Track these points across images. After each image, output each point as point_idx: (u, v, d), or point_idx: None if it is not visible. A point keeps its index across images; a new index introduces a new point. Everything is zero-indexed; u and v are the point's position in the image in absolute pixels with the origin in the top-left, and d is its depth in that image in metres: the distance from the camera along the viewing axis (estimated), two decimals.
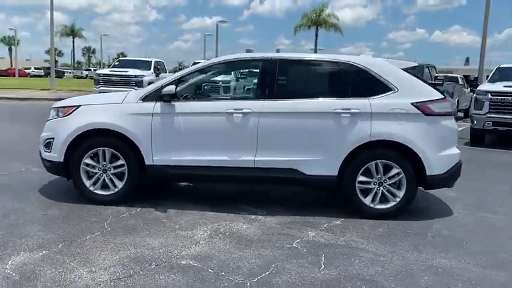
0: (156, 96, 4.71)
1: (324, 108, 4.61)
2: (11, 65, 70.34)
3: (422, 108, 4.58)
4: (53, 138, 4.82)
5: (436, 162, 4.60)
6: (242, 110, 4.62)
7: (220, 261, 3.51)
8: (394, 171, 4.61)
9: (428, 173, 4.59)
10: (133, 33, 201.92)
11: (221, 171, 4.72)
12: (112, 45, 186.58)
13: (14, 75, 57.48)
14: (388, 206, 4.67)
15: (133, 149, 4.71)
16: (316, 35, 48.35)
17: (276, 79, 4.74)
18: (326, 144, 4.60)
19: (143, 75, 17.20)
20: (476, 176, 7.13)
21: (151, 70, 18.41)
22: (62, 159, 4.77)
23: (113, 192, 4.79)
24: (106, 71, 18.65)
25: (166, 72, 19.97)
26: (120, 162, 4.75)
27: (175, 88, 4.62)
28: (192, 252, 3.67)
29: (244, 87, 5.28)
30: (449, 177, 4.74)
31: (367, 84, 4.72)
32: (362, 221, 4.58)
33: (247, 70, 5.39)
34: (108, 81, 16.92)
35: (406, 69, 4.90)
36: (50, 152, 4.85)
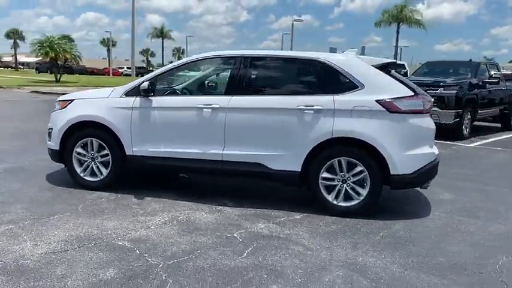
0: (137, 91, 5.08)
1: (287, 105, 4.67)
2: (109, 65, 76.35)
3: (387, 106, 4.46)
4: (52, 128, 5.41)
5: (401, 161, 4.46)
6: (211, 105, 4.84)
7: (153, 244, 3.77)
8: (358, 168, 4.55)
9: (392, 172, 4.46)
10: (225, 33, 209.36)
11: (192, 163, 4.97)
12: (205, 45, 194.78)
13: (109, 74, 62.42)
14: (352, 203, 4.61)
15: (117, 140, 5.13)
16: (398, 32, 46.69)
17: (245, 76, 4.89)
18: (289, 140, 4.66)
19: None
20: (499, 180, 6.66)
21: None
22: (58, 148, 5.34)
23: (99, 179, 5.26)
24: None
25: None
26: (106, 151, 5.20)
27: (150, 84, 4.95)
28: (135, 235, 3.97)
29: (217, 83, 5.51)
30: (419, 178, 4.56)
31: (333, 81, 4.70)
32: (323, 217, 4.57)
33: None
34: None
35: (382, 66, 4.79)
36: (50, 141, 5.44)
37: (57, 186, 5.37)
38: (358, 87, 4.59)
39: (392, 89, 4.56)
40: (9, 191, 5.11)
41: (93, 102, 5.29)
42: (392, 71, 5.28)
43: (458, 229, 4.39)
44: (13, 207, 4.56)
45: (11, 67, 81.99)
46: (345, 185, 4.61)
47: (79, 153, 5.28)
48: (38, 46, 30.70)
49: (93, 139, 5.21)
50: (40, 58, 33.27)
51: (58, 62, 32.19)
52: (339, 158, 4.58)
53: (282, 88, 4.97)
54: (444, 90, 10.81)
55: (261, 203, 4.98)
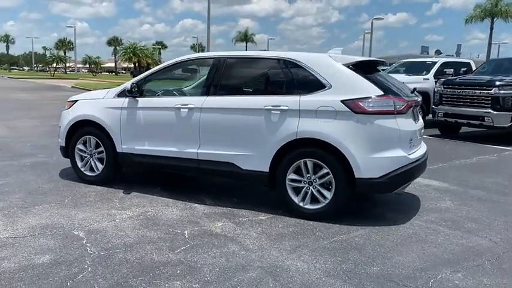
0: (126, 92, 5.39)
1: (255, 105, 4.66)
2: None
3: (352, 106, 4.28)
4: (60, 126, 5.92)
5: (366, 164, 4.25)
6: (187, 105, 4.99)
7: (103, 235, 4.00)
8: (324, 171, 4.42)
9: (357, 175, 4.27)
10: (315, 35, 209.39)
11: (172, 161, 5.15)
12: (295, 47, 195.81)
13: None
14: (318, 206, 4.49)
15: (109, 138, 5.48)
16: (491, 28, 43.26)
17: (219, 77, 4.96)
18: (258, 140, 4.65)
19: None
20: None
21: None
22: (64, 144, 5.84)
23: (96, 173, 5.65)
24: None
25: None
26: (101, 148, 5.58)
27: (132, 86, 5.22)
28: (95, 226, 4.23)
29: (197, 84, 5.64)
30: (388, 183, 4.29)
31: (301, 80, 4.62)
32: (288, 219, 4.50)
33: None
34: None
35: (355, 64, 4.58)
36: (59, 137, 5.96)
37: (63, 180, 5.86)
38: (325, 87, 4.45)
39: (360, 88, 4.36)
40: (20, 182, 5.68)
41: (91, 103, 5.70)
42: (380, 69, 5.07)
43: (425, 239, 4.07)
44: (12, 196, 5.07)
45: (113, 72, 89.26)
46: (311, 188, 4.50)
47: (80, 150, 5.73)
48: (123, 52, 33.14)
49: (91, 137, 5.62)
50: (126, 63, 35.84)
51: (141, 66, 34.43)
52: (304, 160, 4.49)
53: (252, 88, 4.98)
54: (499, 89, 9.89)
55: (238, 203, 5.02)
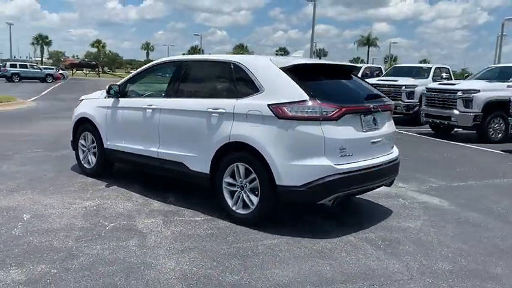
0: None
1: (200, 107, 4.72)
2: None
3: (276, 111, 4.10)
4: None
5: (287, 171, 4.04)
6: (151, 106, 5.24)
7: (42, 220, 4.38)
8: (252, 175, 4.31)
9: (277, 182, 4.08)
10: (458, 38, 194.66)
11: (140, 159, 5.44)
12: (434, 51, 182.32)
13: None
14: (246, 212, 4.39)
15: (99, 134, 5.98)
16: None
17: (177, 79, 5.13)
18: (200, 142, 4.70)
19: (415, 85, 14.97)
20: None
21: (430, 78, 15.68)
22: (71, 139, 6.52)
23: (91, 166, 6.21)
24: (373, 80, 15.82)
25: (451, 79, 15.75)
26: (95, 144, 6.12)
27: (109, 88, 5.65)
28: (47, 212, 4.65)
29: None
30: (311, 192, 4.02)
31: (242, 84, 4.55)
32: (218, 222, 4.49)
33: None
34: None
35: (292, 67, 4.35)
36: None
37: (69, 171, 6.51)
38: (259, 90, 4.34)
39: (288, 93, 4.15)
40: (32, 170, 6.45)
41: (89, 102, 6.27)
42: (354, 74, 4.79)
43: (331, 256, 3.73)
44: (13, 181, 5.80)
45: None
46: (242, 192, 4.42)
47: (82, 144, 6.34)
48: None
49: (88, 133, 6.19)
50: None
51: None
52: (237, 164, 4.42)
53: (201, 90, 5.05)
54: None
55: (195, 203, 5.06)
